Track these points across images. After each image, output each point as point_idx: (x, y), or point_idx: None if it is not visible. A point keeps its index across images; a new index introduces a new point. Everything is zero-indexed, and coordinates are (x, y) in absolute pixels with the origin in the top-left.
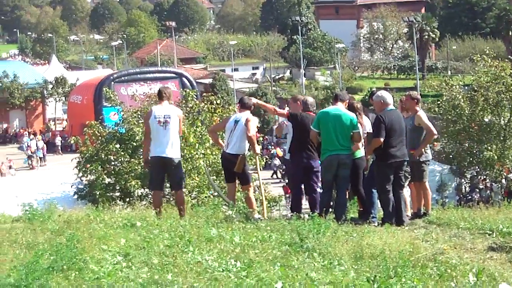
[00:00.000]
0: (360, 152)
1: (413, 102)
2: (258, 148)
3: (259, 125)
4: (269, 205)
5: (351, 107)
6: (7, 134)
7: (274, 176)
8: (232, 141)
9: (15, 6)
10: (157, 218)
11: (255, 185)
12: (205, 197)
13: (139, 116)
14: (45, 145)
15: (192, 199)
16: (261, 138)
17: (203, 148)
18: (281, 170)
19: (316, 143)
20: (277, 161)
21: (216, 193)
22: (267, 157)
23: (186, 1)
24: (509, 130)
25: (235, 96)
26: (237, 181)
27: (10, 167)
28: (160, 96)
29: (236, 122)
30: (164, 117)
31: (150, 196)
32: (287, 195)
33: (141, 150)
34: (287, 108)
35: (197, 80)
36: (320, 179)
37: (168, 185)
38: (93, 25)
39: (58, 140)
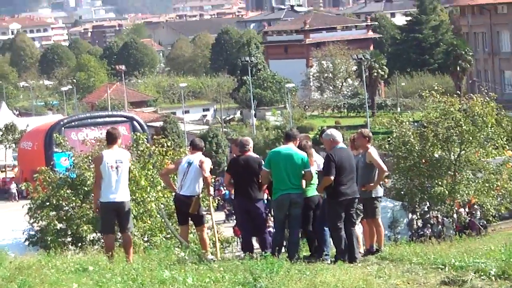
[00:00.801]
0: (312, 191)
1: (364, 140)
2: (211, 189)
3: (211, 167)
4: (222, 246)
5: (300, 146)
6: None
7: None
8: (186, 183)
9: None
10: (109, 261)
11: (208, 226)
12: (158, 239)
13: (90, 161)
14: None
15: (144, 242)
16: (213, 180)
17: (155, 191)
18: (226, 211)
19: (267, 182)
20: None
21: (170, 234)
22: (219, 198)
23: (135, 44)
24: (459, 165)
25: (186, 138)
26: (189, 222)
27: None
28: (111, 139)
29: (189, 164)
30: (116, 162)
31: (102, 240)
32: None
33: (93, 195)
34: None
35: (147, 123)
36: (266, 219)
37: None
38: (42, 70)
39: (13, 187)
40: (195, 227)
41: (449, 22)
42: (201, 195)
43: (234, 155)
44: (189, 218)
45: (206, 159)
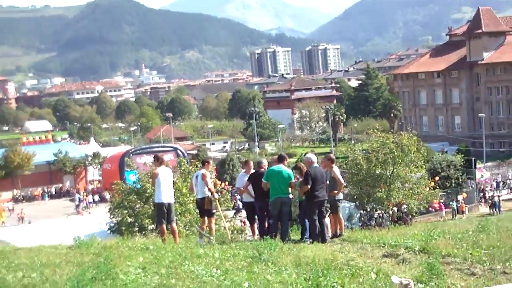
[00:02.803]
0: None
1: (329, 161)
2: (216, 195)
3: (213, 179)
4: (237, 233)
5: (296, 166)
6: (61, 191)
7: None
8: (198, 189)
9: (65, 106)
10: (163, 243)
11: (217, 218)
12: (195, 229)
13: (150, 176)
14: (86, 198)
15: (186, 231)
16: (230, 188)
17: (193, 196)
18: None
19: (265, 189)
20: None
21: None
22: (234, 201)
23: (178, 99)
24: (393, 178)
25: (212, 161)
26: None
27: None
28: (160, 161)
29: (197, 177)
30: (166, 176)
31: (157, 230)
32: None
33: (151, 199)
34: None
35: (187, 152)
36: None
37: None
38: (117, 117)
39: (106, 194)
40: (207, 218)
41: (386, 84)
42: (211, 197)
43: (243, 171)
44: (206, 212)
45: (206, 173)
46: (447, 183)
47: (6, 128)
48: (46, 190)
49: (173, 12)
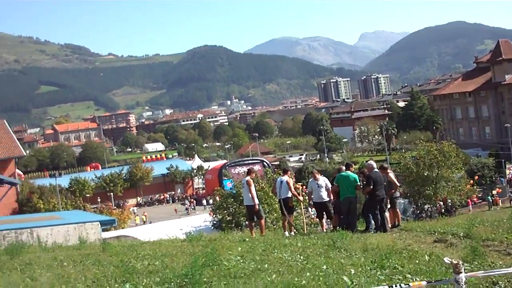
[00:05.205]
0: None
1: (384, 170)
2: (300, 197)
3: (294, 182)
4: (314, 226)
5: (361, 171)
6: (174, 197)
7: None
8: (281, 191)
9: (174, 131)
10: (251, 235)
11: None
12: (280, 223)
13: (241, 183)
14: (195, 201)
15: (273, 226)
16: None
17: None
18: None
19: (336, 191)
20: None
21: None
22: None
23: (262, 122)
24: (438, 179)
25: (291, 170)
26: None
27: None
28: (248, 172)
29: (281, 182)
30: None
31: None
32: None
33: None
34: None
35: (271, 163)
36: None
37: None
38: (215, 137)
39: (209, 198)
40: (288, 214)
41: (428, 103)
42: (294, 198)
43: (312, 178)
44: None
45: (290, 180)
46: (483, 181)
47: (129, 149)
48: (163, 196)
49: (255, 54)
